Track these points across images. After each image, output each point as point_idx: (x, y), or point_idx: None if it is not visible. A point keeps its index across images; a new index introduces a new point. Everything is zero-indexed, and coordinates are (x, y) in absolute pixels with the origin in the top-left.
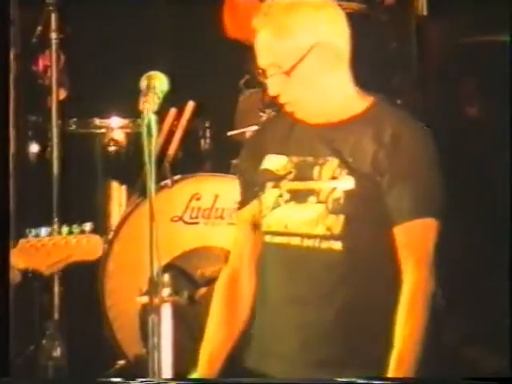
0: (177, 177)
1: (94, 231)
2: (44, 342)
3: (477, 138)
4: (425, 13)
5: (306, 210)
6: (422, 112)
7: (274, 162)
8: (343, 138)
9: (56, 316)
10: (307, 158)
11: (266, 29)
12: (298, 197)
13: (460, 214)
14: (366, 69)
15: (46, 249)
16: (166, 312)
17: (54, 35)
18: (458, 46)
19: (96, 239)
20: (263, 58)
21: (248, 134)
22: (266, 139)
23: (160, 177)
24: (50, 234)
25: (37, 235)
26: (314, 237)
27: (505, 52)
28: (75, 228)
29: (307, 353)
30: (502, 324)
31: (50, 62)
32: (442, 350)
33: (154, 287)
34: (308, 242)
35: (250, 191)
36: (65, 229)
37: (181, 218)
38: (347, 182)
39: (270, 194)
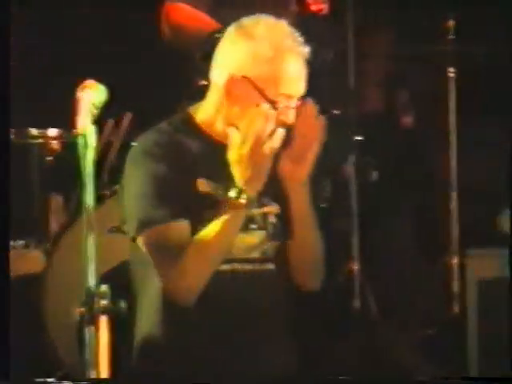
0: (115, 187)
1: (34, 246)
2: None
3: (411, 149)
4: (362, 24)
5: (248, 236)
6: (359, 123)
7: (208, 186)
8: None
9: None
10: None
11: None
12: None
13: (398, 222)
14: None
15: None
16: (103, 323)
17: None
18: (394, 57)
19: (36, 254)
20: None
21: (167, 153)
22: (190, 160)
23: (98, 187)
24: None
25: None
26: (254, 261)
27: (440, 62)
28: (16, 243)
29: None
30: (434, 329)
31: None
32: (375, 352)
33: (91, 298)
34: (248, 267)
35: (182, 211)
36: None
37: (119, 229)
38: (274, 207)
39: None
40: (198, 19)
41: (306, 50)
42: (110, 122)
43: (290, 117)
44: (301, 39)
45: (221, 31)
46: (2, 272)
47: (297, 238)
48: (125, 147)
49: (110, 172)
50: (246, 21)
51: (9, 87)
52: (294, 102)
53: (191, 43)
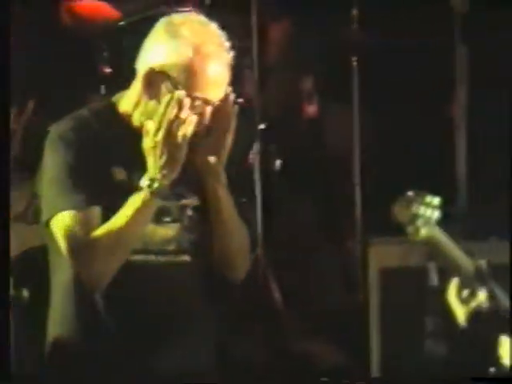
0: (20, 175)
1: None
2: None
3: (316, 137)
4: (266, 12)
5: (161, 228)
6: (263, 111)
7: (123, 174)
8: None
9: None
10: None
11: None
12: (156, 214)
13: (302, 210)
14: None
15: None
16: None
17: None
18: (297, 44)
19: None
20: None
21: (83, 140)
22: (107, 148)
23: None
24: None
25: None
26: (169, 253)
27: (344, 51)
28: None
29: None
30: (342, 319)
31: None
32: (280, 343)
33: None
34: (163, 258)
35: (96, 197)
36: None
37: (23, 217)
38: (192, 199)
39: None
40: (100, 8)
41: (230, 55)
42: (13, 110)
43: (206, 117)
44: (226, 44)
45: (123, 20)
46: (2, 272)
47: (219, 230)
48: (27, 135)
49: (12, 160)
50: (176, 18)
51: (9, 87)
52: (211, 105)
53: (95, 31)
